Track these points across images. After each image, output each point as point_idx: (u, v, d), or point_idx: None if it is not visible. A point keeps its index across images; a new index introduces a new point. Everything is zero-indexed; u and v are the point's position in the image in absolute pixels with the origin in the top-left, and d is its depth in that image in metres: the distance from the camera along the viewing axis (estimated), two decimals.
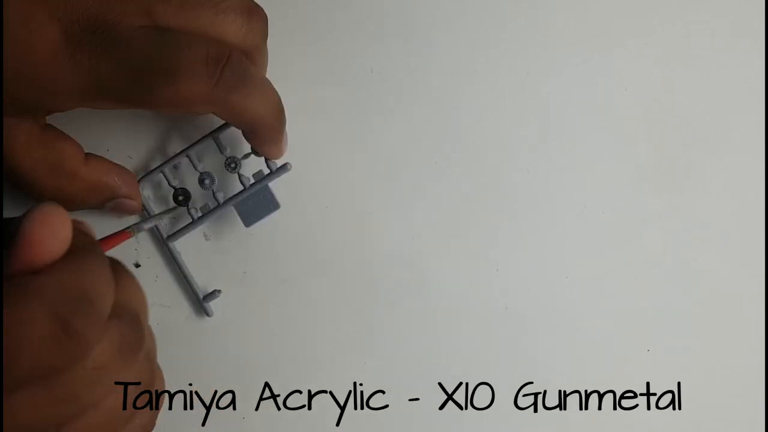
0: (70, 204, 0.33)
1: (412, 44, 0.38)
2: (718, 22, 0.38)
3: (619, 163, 0.37)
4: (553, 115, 0.37)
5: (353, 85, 0.37)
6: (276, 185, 0.35)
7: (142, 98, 0.29)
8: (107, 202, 0.34)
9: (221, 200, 0.35)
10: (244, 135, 0.34)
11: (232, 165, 0.35)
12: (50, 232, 0.23)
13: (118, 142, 0.36)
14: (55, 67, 0.28)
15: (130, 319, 0.25)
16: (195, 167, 0.35)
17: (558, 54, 0.38)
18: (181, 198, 0.35)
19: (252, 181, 0.35)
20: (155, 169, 0.36)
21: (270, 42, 0.34)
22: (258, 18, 0.31)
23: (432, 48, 0.38)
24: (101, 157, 0.34)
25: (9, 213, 0.36)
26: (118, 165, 0.35)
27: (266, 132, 0.33)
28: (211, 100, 0.30)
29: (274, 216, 0.35)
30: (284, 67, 0.37)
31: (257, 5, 0.31)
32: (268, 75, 0.36)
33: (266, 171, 0.35)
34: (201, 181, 0.35)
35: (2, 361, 0.22)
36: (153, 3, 0.29)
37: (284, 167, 0.35)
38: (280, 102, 0.33)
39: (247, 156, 0.35)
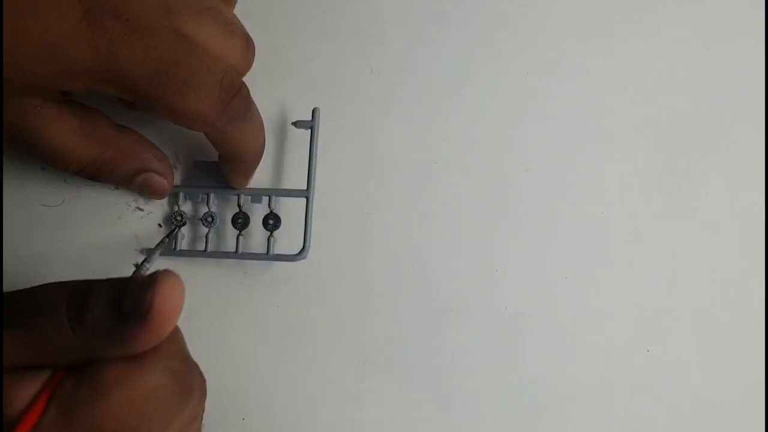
0: (103, 172, 0.33)
1: (412, 44, 0.38)
2: (718, 22, 0.38)
3: (619, 163, 0.37)
4: (553, 115, 0.37)
5: (353, 85, 0.37)
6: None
7: (149, 96, 0.29)
8: (138, 175, 0.34)
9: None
10: (219, 159, 0.35)
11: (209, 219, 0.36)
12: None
13: None
14: (73, 47, 0.28)
15: (194, 363, 0.27)
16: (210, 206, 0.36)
17: (558, 54, 0.38)
18: (207, 221, 0.36)
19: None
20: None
21: (270, 42, 0.34)
22: (253, 49, 0.33)
23: (432, 48, 0.38)
24: (132, 128, 0.34)
25: (7, 213, 0.36)
26: (151, 141, 0.35)
27: (244, 165, 0.34)
28: (211, 123, 0.31)
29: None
30: (284, 67, 0.37)
31: (251, 38, 0.33)
32: (268, 76, 0.37)
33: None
34: (204, 219, 0.36)
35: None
36: (173, 3, 0.30)
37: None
38: (265, 140, 0.34)
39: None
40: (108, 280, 0.24)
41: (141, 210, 0.36)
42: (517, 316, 0.36)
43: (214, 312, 0.36)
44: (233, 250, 0.36)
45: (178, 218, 0.36)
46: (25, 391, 0.23)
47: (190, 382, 0.26)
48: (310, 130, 0.35)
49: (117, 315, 0.23)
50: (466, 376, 0.36)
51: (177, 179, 0.36)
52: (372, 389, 0.36)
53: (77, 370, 0.24)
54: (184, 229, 0.36)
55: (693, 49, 0.38)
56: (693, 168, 0.37)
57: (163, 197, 0.36)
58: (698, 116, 0.38)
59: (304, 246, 0.35)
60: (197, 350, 0.28)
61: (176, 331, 0.26)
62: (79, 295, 0.24)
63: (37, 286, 0.25)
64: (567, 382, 0.36)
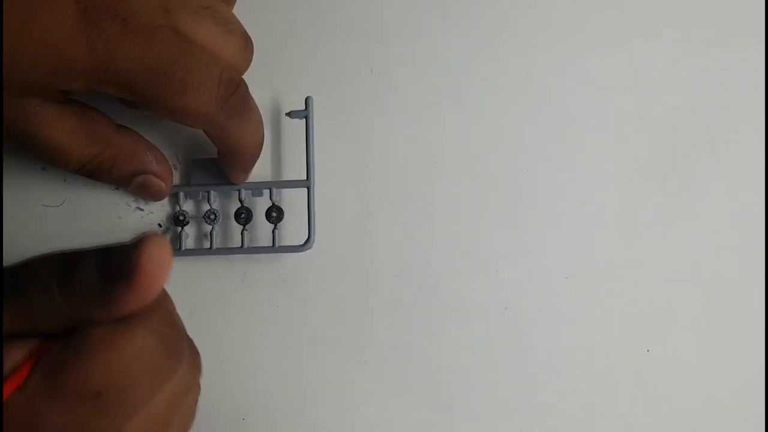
0: (101, 171, 0.33)
1: (412, 44, 0.38)
2: (718, 22, 0.38)
3: (619, 163, 0.37)
4: (553, 115, 0.38)
5: (353, 85, 0.37)
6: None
7: (148, 95, 0.29)
8: (136, 176, 0.34)
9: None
10: (218, 155, 0.35)
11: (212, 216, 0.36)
12: (167, 268, 0.23)
13: None
14: (71, 47, 0.28)
15: (186, 334, 0.27)
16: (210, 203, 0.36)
17: (558, 54, 0.38)
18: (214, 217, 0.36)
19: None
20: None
21: (270, 41, 0.34)
22: (252, 48, 0.33)
23: (432, 48, 0.38)
24: (132, 129, 0.35)
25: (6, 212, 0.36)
26: (150, 143, 0.35)
27: (244, 160, 0.34)
28: (210, 120, 0.31)
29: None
30: (284, 67, 0.37)
31: (250, 37, 0.33)
32: (268, 76, 0.37)
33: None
34: (207, 217, 0.36)
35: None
36: (171, 2, 0.30)
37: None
38: (264, 136, 0.34)
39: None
40: (97, 248, 0.24)
41: (141, 210, 0.37)
42: (516, 316, 0.36)
43: (214, 310, 0.36)
44: (238, 245, 0.36)
45: (181, 218, 0.36)
46: (12, 358, 0.23)
47: (178, 347, 0.25)
48: (305, 120, 0.35)
49: (104, 276, 0.23)
50: (466, 375, 0.36)
51: (177, 178, 0.36)
52: (372, 389, 0.36)
53: (65, 337, 0.24)
54: (188, 228, 0.36)
55: (693, 49, 0.38)
56: (693, 168, 0.37)
57: (162, 199, 0.36)
58: (698, 116, 0.38)
59: (309, 236, 0.35)
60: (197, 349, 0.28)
61: (165, 297, 0.25)
62: (69, 260, 0.24)
63: (29, 258, 0.25)
64: (567, 381, 0.36)
